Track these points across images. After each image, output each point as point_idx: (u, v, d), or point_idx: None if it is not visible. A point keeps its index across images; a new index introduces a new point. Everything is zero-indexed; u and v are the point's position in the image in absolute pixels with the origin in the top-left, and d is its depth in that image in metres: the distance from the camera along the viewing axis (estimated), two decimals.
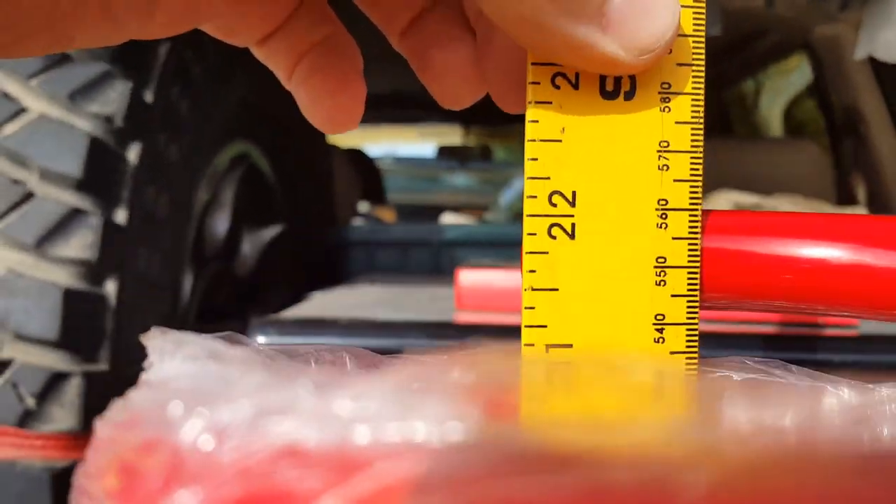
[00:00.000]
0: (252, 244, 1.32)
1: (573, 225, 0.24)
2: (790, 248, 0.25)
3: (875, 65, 1.59)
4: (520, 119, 0.25)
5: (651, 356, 0.25)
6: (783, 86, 2.40)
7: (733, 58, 2.02)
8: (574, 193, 0.24)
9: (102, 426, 0.18)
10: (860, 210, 1.56)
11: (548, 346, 0.24)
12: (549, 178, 0.24)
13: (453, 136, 3.77)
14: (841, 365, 0.65)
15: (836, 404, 0.26)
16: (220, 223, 1.19)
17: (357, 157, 2.56)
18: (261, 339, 0.71)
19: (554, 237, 0.24)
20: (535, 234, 0.24)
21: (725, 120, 2.33)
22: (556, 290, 0.24)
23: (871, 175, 1.62)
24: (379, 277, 1.32)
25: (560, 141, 0.24)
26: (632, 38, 0.23)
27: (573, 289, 0.24)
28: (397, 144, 4.14)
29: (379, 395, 0.12)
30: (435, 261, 1.48)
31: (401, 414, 0.12)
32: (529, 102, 0.24)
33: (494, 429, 0.12)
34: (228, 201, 1.19)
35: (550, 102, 0.24)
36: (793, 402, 0.15)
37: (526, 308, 0.24)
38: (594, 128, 0.24)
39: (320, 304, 0.95)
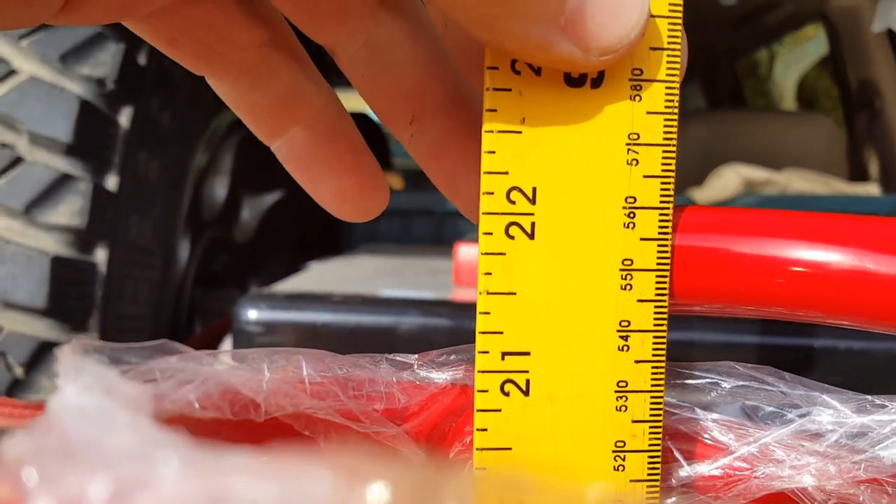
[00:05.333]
0: (252, 210, 1.30)
1: (533, 224, 0.22)
2: (768, 249, 0.23)
3: (893, 38, 1.55)
4: None
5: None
6: (798, 56, 2.36)
7: (748, 27, 1.98)
8: (534, 190, 0.22)
9: None
10: (872, 186, 1.53)
11: (503, 354, 0.22)
12: (507, 173, 0.22)
13: None
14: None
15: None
16: (219, 188, 1.17)
17: (361, 120, 2.53)
18: (252, 313, 0.69)
19: (512, 237, 0.22)
20: (491, 234, 0.22)
21: (738, 90, 2.29)
22: (514, 293, 0.22)
23: (884, 150, 1.59)
24: (380, 247, 1.30)
25: (520, 132, 0.22)
26: (593, 38, 0.20)
27: (532, 293, 0.22)
28: None
29: (259, 476, 0.10)
30: (438, 231, 1.46)
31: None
32: (487, 89, 0.22)
33: None
34: (227, 166, 1.17)
35: (510, 90, 0.22)
36: None
37: (481, 313, 0.22)
38: (557, 118, 0.22)
39: (317, 275, 0.93)
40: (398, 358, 0.26)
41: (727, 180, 1.34)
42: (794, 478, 0.23)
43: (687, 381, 0.26)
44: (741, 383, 0.25)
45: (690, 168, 1.46)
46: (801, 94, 2.43)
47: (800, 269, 0.23)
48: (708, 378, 0.26)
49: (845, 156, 1.69)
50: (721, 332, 0.66)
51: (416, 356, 0.26)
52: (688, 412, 0.26)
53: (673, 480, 0.26)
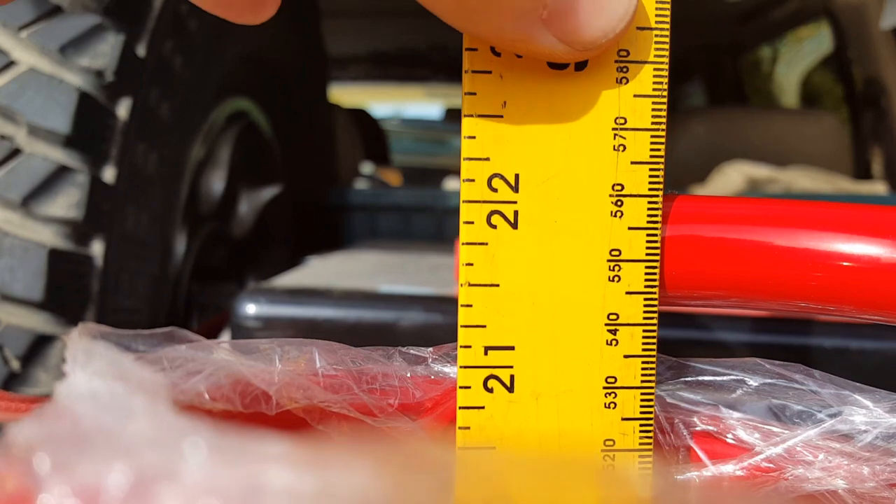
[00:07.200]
0: (249, 204, 1.29)
1: (516, 213, 0.21)
2: (765, 238, 0.22)
3: None
4: None
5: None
6: (800, 54, 2.35)
7: (752, 24, 1.97)
8: (517, 177, 0.21)
9: None
10: (878, 185, 1.53)
11: (486, 349, 0.21)
12: (488, 160, 0.21)
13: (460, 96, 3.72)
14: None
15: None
16: (216, 182, 1.16)
17: (360, 116, 2.52)
18: (251, 308, 0.68)
19: (494, 226, 0.21)
20: (472, 223, 0.21)
21: (740, 88, 2.28)
22: (497, 285, 0.21)
23: (890, 148, 1.58)
24: (379, 243, 1.30)
25: (501, 117, 0.21)
26: (576, 31, 0.19)
27: (515, 284, 0.21)
28: (404, 105, 4.10)
29: (289, 465, 0.09)
30: (437, 227, 1.45)
31: (314, 495, 0.09)
32: (466, 71, 0.21)
33: None
34: (225, 159, 1.16)
35: (490, 72, 0.21)
36: None
37: (462, 306, 0.21)
38: (540, 102, 0.21)
39: (317, 270, 0.92)
40: (411, 351, 0.25)
41: (730, 178, 1.33)
42: (825, 480, 0.23)
43: (711, 378, 0.25)
44: (768, 381, 0.24)
45: (693, 166, 1.45)
46: (803, 92, 2.42)
47: (802, 259, 0.22)
48: (733, 375, 0.25)
49: (850, 153, 1.69)
50: (719, 331, 0.65)
51: (431, 349, 0.25)
52: (712, 410, 0.25)
53: (696, 481, 0.25)
